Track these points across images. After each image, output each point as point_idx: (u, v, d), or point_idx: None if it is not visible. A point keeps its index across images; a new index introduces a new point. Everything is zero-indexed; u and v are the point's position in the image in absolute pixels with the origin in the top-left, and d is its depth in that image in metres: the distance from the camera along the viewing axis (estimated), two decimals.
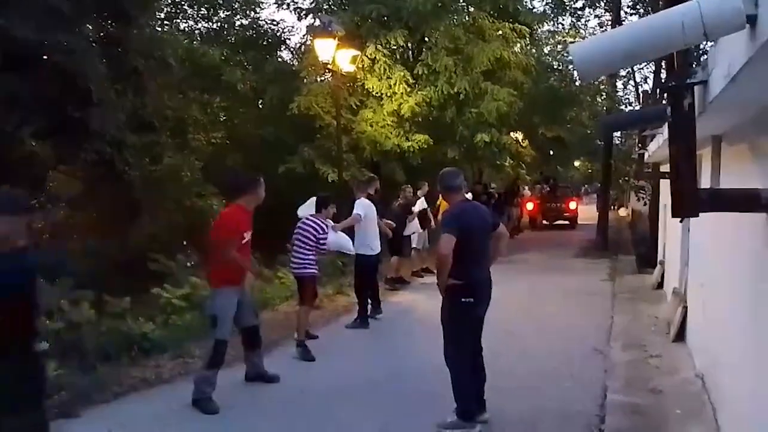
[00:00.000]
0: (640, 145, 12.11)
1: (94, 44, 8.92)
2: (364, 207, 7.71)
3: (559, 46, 22.19)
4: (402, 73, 12.99)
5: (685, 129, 2.91)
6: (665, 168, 9.36)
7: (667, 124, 4.01)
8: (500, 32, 14.10)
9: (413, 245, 11.11)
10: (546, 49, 22.85)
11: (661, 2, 3.17)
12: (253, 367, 5.39)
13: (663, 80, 16.38)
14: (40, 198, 9.00)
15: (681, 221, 6.55)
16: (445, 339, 4.37)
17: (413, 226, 10.49)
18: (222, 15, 17.18)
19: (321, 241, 6.32)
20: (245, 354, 5.38)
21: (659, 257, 10.67)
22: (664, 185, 10.10)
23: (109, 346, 5.81)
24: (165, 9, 15.64)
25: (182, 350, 6.13)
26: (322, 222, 6.40)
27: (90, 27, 9.28)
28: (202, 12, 17.11)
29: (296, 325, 6.38)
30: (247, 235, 4.94)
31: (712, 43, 2.77)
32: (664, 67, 15.23)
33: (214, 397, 4.78)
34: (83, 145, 8.09)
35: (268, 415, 4.77)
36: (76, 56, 7.73)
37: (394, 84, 12.95)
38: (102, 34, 9.67)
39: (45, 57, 7.71)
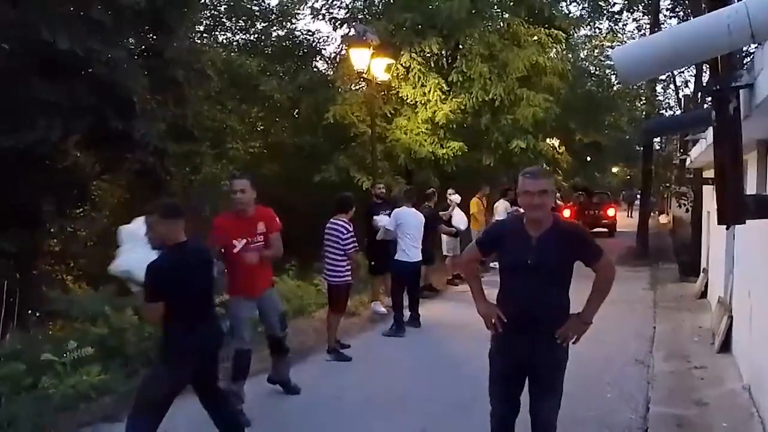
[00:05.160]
0: (681, 150, 11.83)
1: (135, 56, 9.17)
2: (397, 217, 7.81)
3: (596, 51, 21.89)
4: (436, 81, 13.00)
5: (731, 133, 2.84)
6: (708, 174, 9.14)
7: (711, 128, 3.92)
8: (535, 38, 13.99)
9: (444, 252, 11.12)
10: (582, 54, 22.57)
11: (704, 5, 3.10)
12: (277, 373, 5.31)
13: (705, 84, 15.99)
14: (86, 206, 9.27)
15: (727, 228, 6.37)
16: (559, 392, 3.38)
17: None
18: (259, 26, 17.52)
19: (347, 244, 6.26)
20: (272, 359, 5.32)
21: (702, 265, 10.39)
22: (707, 191, 9.85)
23: (151, 351, 5.91)
24: (204, 22, 16.01)
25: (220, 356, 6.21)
26: (346, 223, 6.36)
27: (131, 39, 9.53)
28: (239, 24, 17.45)
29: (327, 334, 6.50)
30: (238, 243, 4.74)
31: (758, 45, 2.70)
32: (706, 70, 14.88)
33: (245, 408, 4.70)
34: (126, 154, 8.32)
35: (302, 423, 4.79)
36: (118, 68, 7.96)
37: (429, 91, 12.97)
38: (143, 46, 9.92)
39: (88, 69, 7.94)
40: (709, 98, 3.15)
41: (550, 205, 3.27)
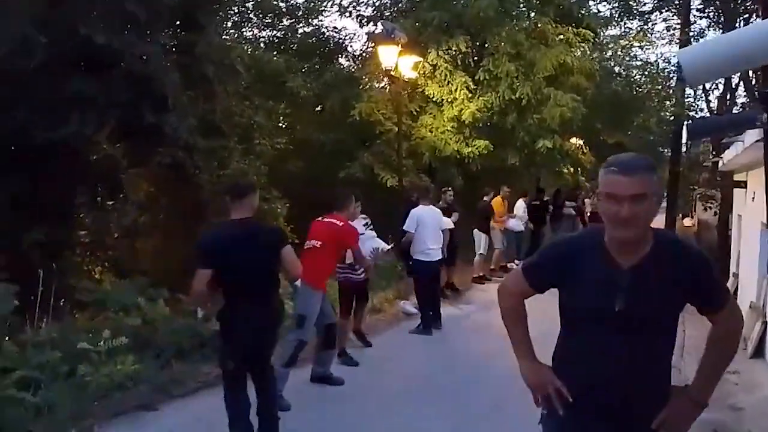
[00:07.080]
0: (714, 152, 11.67)
1: (168, 51, 9.24)
2: (415, 217, 7.70)
3: (622, 51, 21.62)
4: (463, 79, 12.97)
5: None
6: (740, 176, 9.01)
7: (749, 132, 3.88)
8: (562, 36, 13.89)
9: (479, 251, 11.13)
10: (608, 54, 22.32)
11: (758, 7, 3.06)
12: (322, 368, 5.50)
13: (736, 85, 15.75)
14: (118, 198, 9.41)
15: None
16: None
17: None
18: (285, 23, 17.55)
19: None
20: (317, 354, 5.51)
21: (732, 269, 10.25)
22: (738, 194, 9.72)
23: (183, 342, 5.99)
24: (232, 18, 16.09)
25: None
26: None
27: (164, 35, 9.61)
28: (266, 20, 17.52)
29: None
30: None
31: None
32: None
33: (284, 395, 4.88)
34: (157, 148, 8.41)
35: (336, 415, 4.86)
36: (152, 63, 8.04)
37: (455, 90, 12.95)
38: (175, 42, 10.00)
39: (122, 63, 8.03)
40: (760, 100, 3.12)
41: (652, 218, 1.93)
